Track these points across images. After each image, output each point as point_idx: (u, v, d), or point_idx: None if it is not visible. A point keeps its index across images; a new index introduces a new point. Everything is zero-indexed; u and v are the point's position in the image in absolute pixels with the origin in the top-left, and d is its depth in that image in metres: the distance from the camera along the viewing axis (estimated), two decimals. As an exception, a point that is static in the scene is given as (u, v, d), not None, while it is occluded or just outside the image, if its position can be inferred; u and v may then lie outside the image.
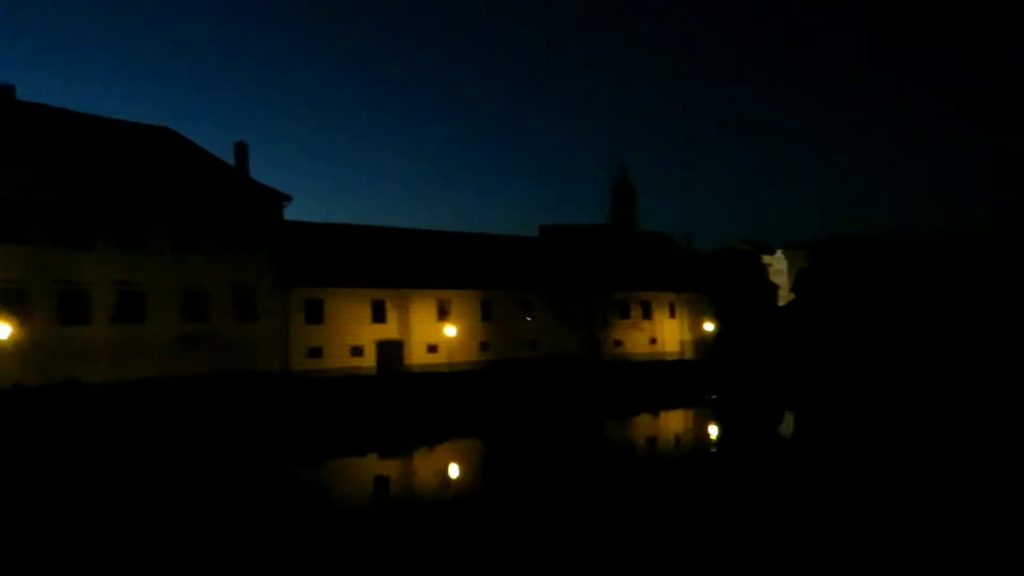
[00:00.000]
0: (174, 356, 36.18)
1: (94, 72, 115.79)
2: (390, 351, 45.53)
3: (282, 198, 42.21)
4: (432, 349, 47.00)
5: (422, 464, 26.45)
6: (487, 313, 49.92)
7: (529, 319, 51.56)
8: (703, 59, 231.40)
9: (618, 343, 54.19)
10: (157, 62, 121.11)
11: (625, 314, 55.31)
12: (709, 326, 58.22)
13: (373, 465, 26.67)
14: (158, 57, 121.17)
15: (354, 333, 44.60)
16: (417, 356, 46.32)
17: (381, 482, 23.96)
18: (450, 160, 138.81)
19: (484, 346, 49.24)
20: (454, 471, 24.91)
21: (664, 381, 45.70)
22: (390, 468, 26.33)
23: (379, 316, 45.69)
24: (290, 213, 42.82)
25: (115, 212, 36.16)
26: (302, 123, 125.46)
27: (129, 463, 24.55)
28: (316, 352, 42.82)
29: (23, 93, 39.09)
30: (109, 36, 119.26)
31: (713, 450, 28.38)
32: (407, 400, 35.61)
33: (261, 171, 58.69)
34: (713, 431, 33.59)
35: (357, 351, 44.48)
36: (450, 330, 46.31)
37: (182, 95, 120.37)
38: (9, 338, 30.96)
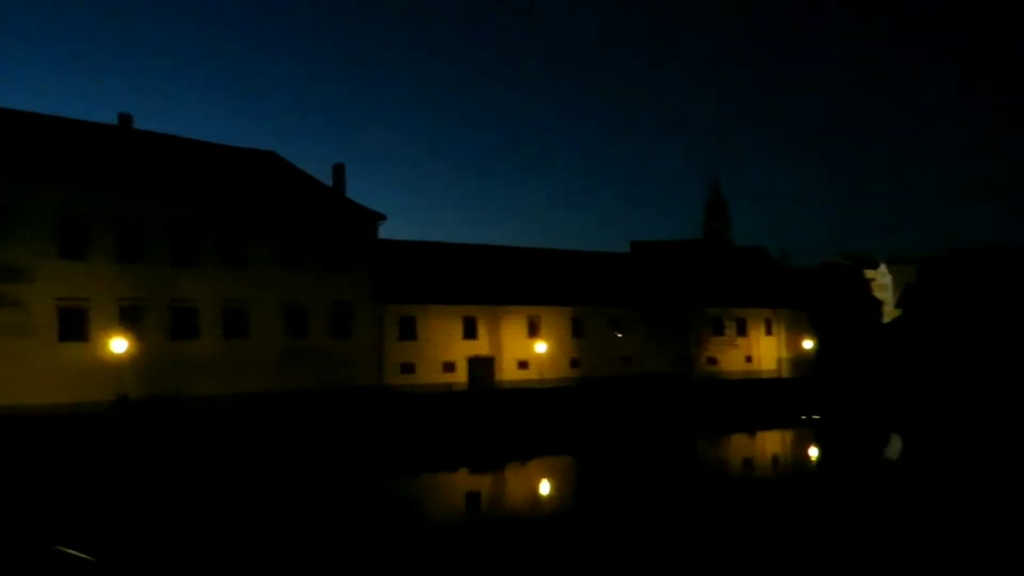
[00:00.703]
0: (275, 371, 37.57)
1: (205, 100, 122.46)
2: (481, 367, 45.97)
3: (376, 217, 43.39)
4: (523, 365, 47.17)
5: (513, 480, 26.52)
6: (578, 330, 49.78)
7: (620, 336, 51.09)
8: (798, 69, 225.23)
9: (712, 361, 53.04)
10: (262, 89, 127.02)
11: (719, 331, 54.09)
12: (808, 343, 56.23)
13: (465, 480, 26.90)
14: (263, 85, 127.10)
15: (446, 349, 45.27)
16: (508, 372, 46.59)
17: (472, 497, 24.13)
18: (540, 178, 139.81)
19: (575, 363, 49.08)
20: (545, 488, 24.86)
21: (760, 400, 44.35)
22: (481, 483, 26.51)
23: (470, 332, 46.24)
24: (384, 231, 44.05)
25: (222, 233, 37.99)
26: (395, 143, 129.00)
27: (229, 472, 25.54)
28: (409, 368, 43.67)
29: (141, 122, 41.71)
30: (219, 66, 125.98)
31: (814, 473, 27.31)
32: (498, 416, 35.80)
33: (357, 190, 60.72)
34: (813, 452, 32.35)
35: (449, 367, 45.12)
36: (540, 347, 46.39)
37: (285, 118, 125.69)
38: (126, 352, 32.89)
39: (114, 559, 14.63)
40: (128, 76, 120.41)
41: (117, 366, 32.75)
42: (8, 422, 25.92)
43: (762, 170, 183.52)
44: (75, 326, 33.46)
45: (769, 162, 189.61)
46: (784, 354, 57.87)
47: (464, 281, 47.19)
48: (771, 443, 35.67)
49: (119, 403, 30.32)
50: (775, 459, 31.56)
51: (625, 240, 64.91)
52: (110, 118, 41.42)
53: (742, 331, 56.20)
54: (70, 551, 14.08)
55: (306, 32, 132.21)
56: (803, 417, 41.06)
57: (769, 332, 57.63)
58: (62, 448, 25.53)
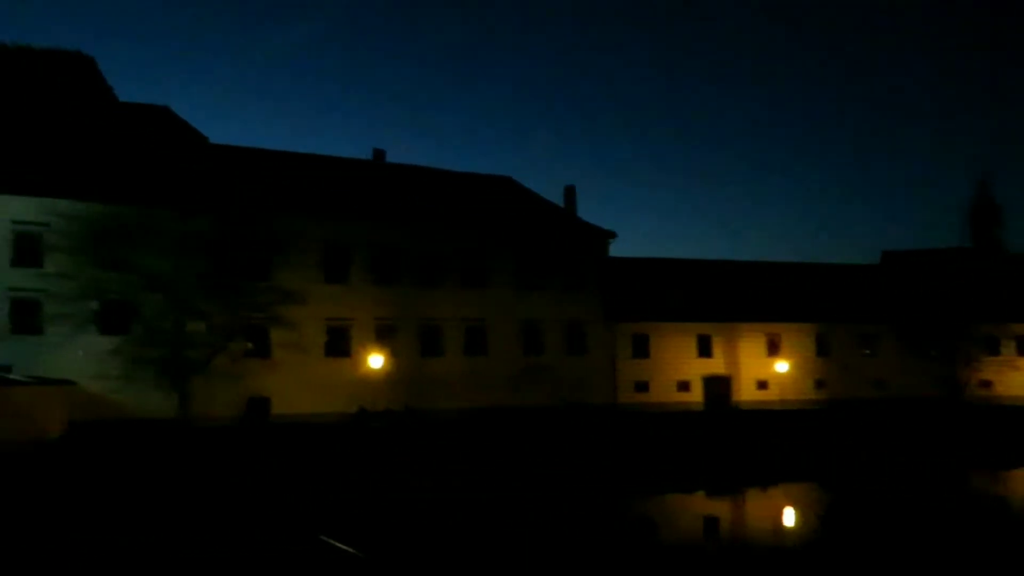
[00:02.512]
0: (512, 387, 39.01)
1: (448, 131, 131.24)
2: (717, 386, 44.47)
3: (607, 235, 43.75)
4: (762, 386, 44.96)
5: (754, 506, 25.23)
6: (823, 348, 46.56)
7: (872, 355, 47.01)
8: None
9: (985, 383, 47.00)
10: (498, 117, 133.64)
11: (994, 350, 47.83)
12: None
13: (702, 503, 26.05)
14: (499, 114, 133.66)
15: (680, 368, 44.37)
16: (746, 392, 44.64)
17: (711, 522, 23.29)
18: (777, 188, 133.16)
19: (820, 384, 45.91)
20: (789, 517, 23.38)
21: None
22: (719, 508, 25.51)
23: (705, 351, 44.96)
24: (615, 249, 44.35)
25: (463, 255, 40.36)
26: (625, 159, 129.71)
27: (457, 482, 26.69)
28: (642, 386, 43.34)
29: (392, 156, 45.65)
30: (460, 100, 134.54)
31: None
32: (735, 437, 34.36)
33: (587, 209, 61.63)
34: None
35: (683, 386, 44.16)
36: (781, 366, 43.95)
37: (520, 142, 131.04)
38: (381, 367, 35.91)
39: (377, 552, 15.76)
40: (379, 115, 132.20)
41: (373, 380, 35.83)
42: (288, 428, 29.29)
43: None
44: (339, 343, 37.16)
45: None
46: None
47: (698, 298, 46.05)
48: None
49: (360, 414, 33.10)
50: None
51: (874, 250, 59.63)
52: (366, 153, 45.79)
53: None
54: (335, 543, 15.47)
55: (537, 60, 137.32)
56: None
57: (1059, 352, 49.96)
58: (319, 450, 28.23)
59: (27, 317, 31.56)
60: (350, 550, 15.01)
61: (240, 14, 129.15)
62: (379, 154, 45.12)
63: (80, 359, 30.76)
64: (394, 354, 36.89)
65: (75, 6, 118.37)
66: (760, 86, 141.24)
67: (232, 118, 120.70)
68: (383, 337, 37.53)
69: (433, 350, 39.06)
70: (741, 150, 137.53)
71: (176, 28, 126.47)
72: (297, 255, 35.69)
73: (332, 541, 15.62)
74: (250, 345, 33.81)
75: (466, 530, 19.87)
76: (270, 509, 20.43)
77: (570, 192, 46.26)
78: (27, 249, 31.81)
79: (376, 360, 35.79)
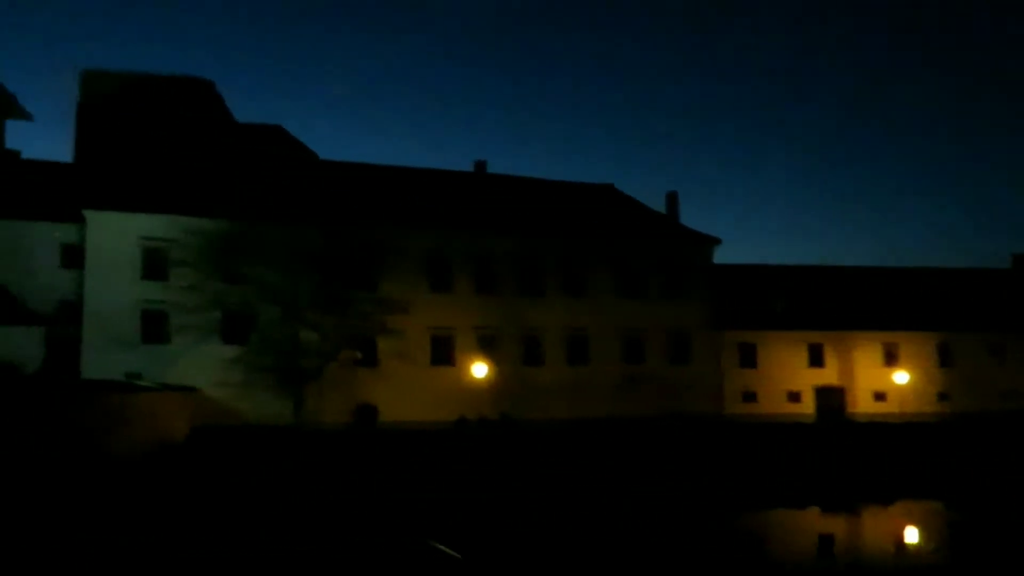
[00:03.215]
0: (614, 397, 38.56)
1: (548, 141, 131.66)
2: (830, 398, 42.61)
3: (712, 241, 42.77)
4: (879, 397, 42.79)
5: (873, 524, 24.04)
6: (946, 358, 43.93)
7: (1001, 365, 44.02)
8: None
9: None
10: (599, 125, 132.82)
11: None
12: None
13: (816, 520, 25.03)
14: (600, 121, 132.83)
15: (790, 378, 42.79)
16: (862, 404, 42.60)
17: (825, 541, 22.32)
18: (887, 191, 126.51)
19: (943, 396, 43.30)
20: (913, 536, 22.12)
21: None
22: (835, 525, 24.45)
23: (816, 360, 43.21)
24: (720, 255, 43.23)
25: (564, 264, 40.33)
26: (729, 164, 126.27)
27: (560, 491, 26.53)
28: (750, 396, 42.04)
29: (493, 166, 46.14)
30: (560, 111, 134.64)
31: None
32: (851, 450, 32.78)
33: (690, 216, 60.19)
34: None
35: (794, 397, 42.57)
36: (900, 376, 41.69)
37: (624, 149, 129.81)
38: (484, 377, 36.27)
39: (479, 557, 15.94)
40: (481, 125, 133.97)
41: (476, 389, 36.23)
42: (393, 435, 29.98)
43: None
44: (443, 352, 37.78)
45: None
46: None
47: (808, 305, 44.33)
48: None
49: (460, 423, 33.42)
50: None
51: (1006, 253, 55.75)
52: (466, 165, 46.49)
53: None
54: (441, 547, 15.74)
55: (638, 67, 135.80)
56: None
57: None
58: (421, 455, 28.66)
59: (155, 327, 33.56)
60: (453, 553, 15.24)
61: (344, 34, 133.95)
62: (480, 165, 45.76)
63: (202, 366, 32.50)
64: (496, 363, 37.19)
65: (195, 33, 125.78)
66: (876, 87, 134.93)
67: (340, 134, 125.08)
68: (485, 346, 37.92)
69: (534, 359, 39.15)
70: (859, 153, 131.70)
71: (288, 51, 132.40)
72: (402, 266, 36.54)
73: (436, 544, 15.90)
74: (359, 354, 34.87)
75: (564, 538, 19.78)
76: (377, 509, 20.95)
77: (672, 198, 45.49)
78: (155, 263, 33.85)
79: (479, 369, 36.18)
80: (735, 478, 29.73)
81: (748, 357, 42.55)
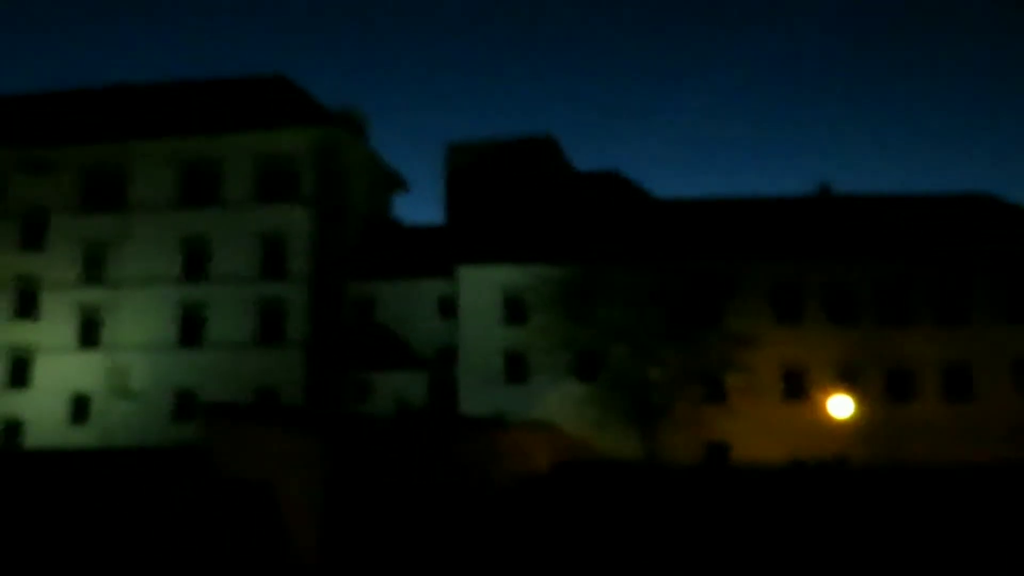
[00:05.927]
0: (1010, 438, 33.09)
1: (898, 152, 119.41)
2: None
3: None
4: None
5: None
6: None
7: None
8: None
9: None
10: (973, 127, 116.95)
11: None
12: None
13: None
14: (973, 122, 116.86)
15: None
16: None
17: None
18: None
19: None
20: None
21: None
22: None
23: None
24: None
25: (935, 288, 35.97)
26: None
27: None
28: None
29: (839, 187, 43.19)
30: (910, 121, 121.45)
31: None
32: None
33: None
34: None
35: None
36: None
37: (995, 152, 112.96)
38: (845, 414, 33.45)
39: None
40: (821, 146, 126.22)
41: (833, 426, 33.55)
42: (745, 475, 28.88)
43: None
44: (796, 387, 35.71)
45: None
46: None
47: None
48: None
49: (794, 465, 30.66)
50: None
51: None
52: (808, 189, 44.01)
53: None
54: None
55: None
56: None
57: None
58: (774, 500, 27.02)
59: (516, 368, 36.59)
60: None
61: (664, 76, 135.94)
62: (825, 188, 42.95)
63: (558, 404, 34.66)
64: (856, 399, 34.13)
65: (535, 93, 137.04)
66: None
67: (671, 172, 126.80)
68: (843, 380, 35.06)
69: (902, 395, 35.16)
70: None
71: (621, 101, 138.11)
72: (747, 299, 35.53)
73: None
74: (704, 389, 34.50)
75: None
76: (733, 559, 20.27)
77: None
78: (514, 309, 37.03)
79: (839, 405, 33.48)
80: None
81: None
